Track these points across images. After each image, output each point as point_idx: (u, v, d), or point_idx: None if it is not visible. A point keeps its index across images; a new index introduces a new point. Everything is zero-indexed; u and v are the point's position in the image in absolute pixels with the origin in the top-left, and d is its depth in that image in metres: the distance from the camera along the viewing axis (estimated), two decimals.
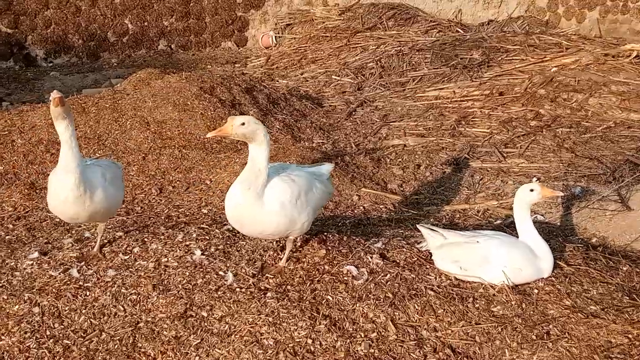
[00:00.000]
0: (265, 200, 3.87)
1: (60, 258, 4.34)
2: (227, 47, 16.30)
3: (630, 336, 3.53)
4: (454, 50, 11.44)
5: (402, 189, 6.88)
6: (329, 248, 4.27)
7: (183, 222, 4.95)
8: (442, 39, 12.27)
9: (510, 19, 15.40)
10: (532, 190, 4.19)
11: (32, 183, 7.06)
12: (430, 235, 4.05)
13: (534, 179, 6.85)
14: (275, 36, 15.50)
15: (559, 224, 5.70)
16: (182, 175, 7.17)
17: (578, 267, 4.21)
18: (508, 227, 5.78)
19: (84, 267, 4.20)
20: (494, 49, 11.19)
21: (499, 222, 5.92)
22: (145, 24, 15.67)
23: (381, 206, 6.34)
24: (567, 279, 4.04)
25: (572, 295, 3.87)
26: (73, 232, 5.37)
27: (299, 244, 4.34)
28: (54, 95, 4.09)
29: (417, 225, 4.24)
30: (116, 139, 7.67)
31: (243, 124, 3.82)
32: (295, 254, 4.25)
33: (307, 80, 12.08)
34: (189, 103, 8.12)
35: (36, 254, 4.40)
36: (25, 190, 6.88)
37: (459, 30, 13.67)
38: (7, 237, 5.92)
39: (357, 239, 4.47)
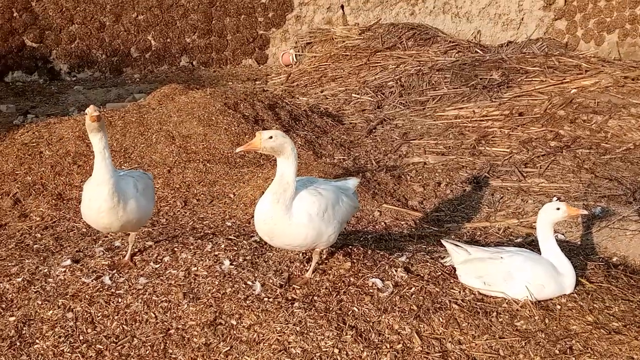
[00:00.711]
0: (294, 212, 3.98)
1: (93, 266, 4.46)
2: (247, 64, 16.52)
3: None
4: (473, 71, 11.54)
5: (422, 205, 6.96)
6: (354, 261, 4.36)
7: (211, 234, 5.05)
8: (462, 60, 12.38)
9: (529, 40, 15.52)
10: (558, 208, 4.27)
11: (60, 194, 7.22)
12: (454, 250, 4.13)
13: (554, 198, 6.88)
14: (296, 54, 15.70)
15: (579, 243, 5.75)
16: (206, 188, 7.30)
17: (600, 284, 4.27)
18: (529, 244, 5.85)
19: (116, 274, 4.32)
20: (513, 70, 11.28)
21: (519, 240, 5.98)
22: (168, 40, 15.92)
23: (402, 222, 6.42)
24: (589, 296, 4.10)
25: (595, 311, 3.93)
26: (102, 241, 5.50)
27: (324, 256, 4.43)
28: (92, 112, 4.21)
29: (442, 240, 4.32)
30: (142, 152, 7.82)
31: (271, 137, 3.93)
32: (321, 266, 4.34)
33: (327, 98, 12.23)
34: (213, 118, 8.27)
35: (69, 262, 4.53)
36: (53, 201, 7.04)
37: (478, 51, 13.79)
38: (35, 245, 6.07)
39: (382, 253, 4.56)
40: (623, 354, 3.59)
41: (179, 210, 6.84)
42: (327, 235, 4.08)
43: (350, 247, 4.61)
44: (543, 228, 4.25)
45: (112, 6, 15.32)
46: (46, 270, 4.49)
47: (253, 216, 6.60)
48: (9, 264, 4.85)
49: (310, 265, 4.29)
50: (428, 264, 4.38)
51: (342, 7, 16.76)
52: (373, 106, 11.18)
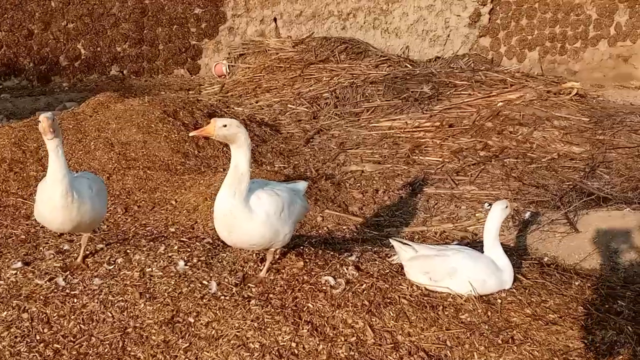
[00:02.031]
0: (253, 210, 4.09)
1: (44, 268, 4.45)
2: (179, 74, 16.48)
3: (585, 341, 3.87)
4: (405, 84, 11.92)
5: (362, 211, 7.18)
6: (307, 260, 4.51)
7: (163, 236, 5.11)
8: (394, 73, 12.76)
9: (456, 56, 16.10)
10: (506, 207, 4.54)
11: None
12: (402, 248, 4.34)
13: (486, 204, 7.25)
14: (229, 65, 15.77)
15: (512, 245, 6.07)
16: (147, 195, 7.31)
17: (535, 280, 4.57)
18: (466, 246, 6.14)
19: (69, 276, 4.32)
20: (443, 84, 11.72)
21: (455, 243, 6.26)
22: (98, 49, 15.72)
23: (344, 227, 6.61)
24: (526, 291, 4.38)
25: (532, 304, 4.21)
26: (45, 246, 5.45)
27: (277, 256, 4.56)
28: (44, 122, 4.15)
29: (390, 239, 4.53)
30: (80, 159, 7.76)
31: (225, 125, 3.99)
32: (274, 265, 4.47)
33: (263, 109, 12.36)
34: (152, 126, 8.28)
35: (19, 264, 4.50)
36: None
37: (408, 65, 14.21)
38: None
39: (332, 253, 4.73)
40: (560, 343, 3.87)
41: (119, 217, 6.82)
42: (283, 235, 4.21)
43: (301, 247, 4.76)
44: (493, 225, 4.50)
45: (41, 14, 15.03)
46: None
47: (196, 222, 6.70)
48: None
49: (264, 265, 4.41)
50: (377, 262, 4.58)
51: (275, 20, 16.96)
52: (309, 117, 11.38)
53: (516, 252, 5.76)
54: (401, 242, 4.39)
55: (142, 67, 16.13)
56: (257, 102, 12.93)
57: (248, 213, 4.09)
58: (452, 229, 6.64)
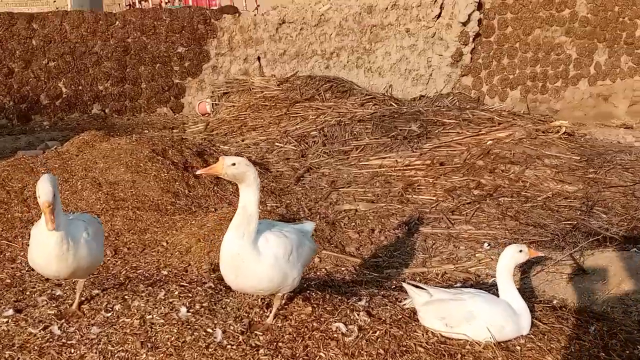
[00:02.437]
0: (261, 253, 3.91)
1: (38, 315, 4.19)
2: (162, 112, 16.31)
3: None
4: (393, 122, 11.87)
5: (360, 252, 7.00)
6: (314, 305, 4.30)
7: (161, 281, 4.87)
8: (381, 112, 12.72)
9: (440, 95, 16.16)
10: (520, 251, 4.39)
11: None
12: (416, 292, 4.16)
13: (485, 244, 7.12)
14: (213, 103, 15.65)
15: (517, 287, 5.91)
16: (137, 236, 7.07)
17: (552, 325, 4.40)
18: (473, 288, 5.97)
19: (65, 324, 4.07)
20: (431, 122, 11.68)
21: (458, 285, 6.10)
22: (80, 87, 15.53)
23: (342, 268, 6.42)
24: (545, 337, 4.21)
25: (553, 351, 4.04)
26: (36, 291, 5.19)
27: (284, 301, 4.36)
28: (45, 208, 3.90)
29: (403, 283, 4.33)
30: (67, 199, 7.51)
31: (234, 164, 3.83)
32: (281, 311, 4.26)
33: (249, 147, 12.21)
34: (141, 165, 8.07)
35: (10, 312, 4.23)
36: None
37: (393, 104, 14.21)
38: None
39: (340, 297, 4.53)
40: None
41: (109, 260, 6.56)
42: (292, 279, 4.02)
43: (308, 291, 4.55)
44: (505, 269, 4.35)
45: (21, 52, 14.85)
46: None
47: (189, 264, 6.47)
48: None
49: (270, 311, 4.20)
50: (388, 307, 4.39)
51: (259, 58, 16.92)
52: (297, 155, 11.25)
53: (523, 295, 5.59)
54: (415, 286, 4.20)
55: (124, 105, 15.94)
56: (243, 141, 12.79)
57: (256, 256, 3.91)
58: (453, 270, 6.48)
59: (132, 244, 6.95)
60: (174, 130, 14.03)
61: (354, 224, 7.84)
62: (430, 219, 8.05)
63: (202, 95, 16.42)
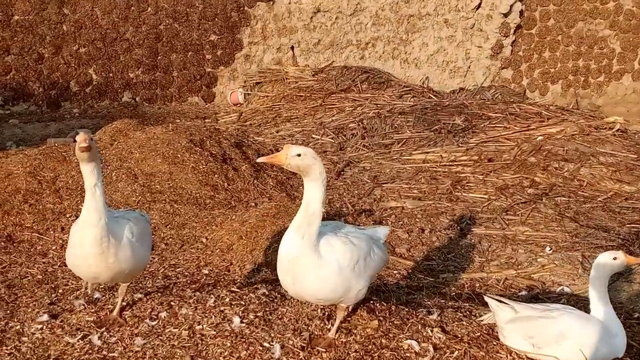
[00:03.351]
0: (323, 258, 3.49)
1: (75, 322, 3.80)
2: (194, 102, 15.94)
3: None
4: (435, 115, 11.36)
5: (411, 253, 6.54)
6: (381, 318, 3.86)
7: (209, 284, 4.45)
8: (422, 104, 12.22)
9: (482, 87, 15.59)
10: (615, 258, 3.89)
11: (9, 235, 6.46)
12: (500, 307, 3.69)
13: (547, 248, 6.62)
14: (245, 93, 15.24)
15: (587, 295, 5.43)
16: (175, 232, 6.69)
17: None
18: (536, 299, 5.50)
19: (105, 333, 3.67)
20: (476, 116, 11.16)
21: (523, 293, 5.63)
22: (111, 75, 15.19)
23: (395, 272, 5.97)
24: None
25: None
26: (70, 290, 4.81)
27: (347, 312, 3.92)
28: (81, 141, 3.60)
29: (485, 297, 3.85)
30: None
31: (299, 155, 3.48)
32: (343, 324, 3.82)
33: (285, 139, 11.77)
34: (179, 156, 7.67)
35: (45, 317, 3.85)
36: (2, 243, 6.27)
37: (432, 96, 13.68)
38: None
39: (407, 309, 4.08)
40: None
41: None
42: (357, 290, 3.58)
43: (371, 301, 4.11)
44: (598, 281, 3.85)
45: (52, 37, 14.51)
46: (18, 327, 3.79)
47: (231, 263, 6.06)
48: None
49: (332, 324, 3.76)
50: (464, 322, 3.93)
51: (292, 48, 16.48)
52: (335, 148, 10.80)
53: None
54: (499, 301, 3.73)
55: (155, 94, 15.59)
56: (277, 132, 12.36)
57: (317, 261, 3.49)
58: (515, 276, 6.00)
59: (170, 239, 6.57)
60: (206, 120, 13.64)
61: (401, 222, 7.38)
62: (482, 219, 7.56)
63: (234, 84, 16.01)
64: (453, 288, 5.63)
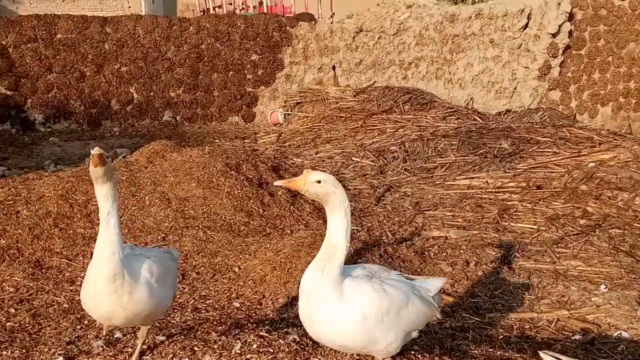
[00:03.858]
0: (345, 299, 3.18)
1: None
2: (234, 121, 15.81)
3: None
4: (480, 139, 10.95)
5: (455, 289, 6.15)
6: None
7: (236, 325, 4.14)
8: (467, 126, 11.82)
9: (529, 110, 15.09)
10: None
11: (37, 261, 6.28)
12: None
13: (602, 286, 6.16)
14: (285, 113, 15.04)
15: None
16: (207, 260, 6.43)
17: None
18: (591, 345, 5.07)
19: None
20: (523, 140, 10.72)
21: (577, 337, 5.19)
22: (152, 94, 15.16)
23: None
24: None
25: None
26: (94, 328, 4.57)
27: None
28: (94, 152, 3.33)
29: (540, 353, 3.46)
30: (133, 215, 6.93)
31: (319, 182, 3.25)
32: None
33: (324, 161, 11.49)
34: (214, 180, 7.44)
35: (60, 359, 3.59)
36: (30, 269, 6.09)
37: (477, 118, 13.27)
38: (8, 323, 5.14)
39: None
40: None
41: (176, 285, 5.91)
42: (385, 344, 3.23)
43: (412, 352, 3.75)
44: None
45: (94, 56, 14.56)
46: None
47: (264, 296, 5.76)
48: None
49: None
50: None
51: (334, 67, 16.26)
52: (375, 171, 10.46)
53: None
54: (556, 358, 3.34)
55: (195, 113, 15.51)
56: (317, 154, 12.09)
57: (336, 300, 3.18)
58: (567, 317, 5.55)
59: (202, 268, 6.32)
60: (246, 141, 13.45)
61: (444, 254, 6.99)
62: (531, 252, 7.12)
63: (275, 104, 15.85)
64: (501, 330, 5.22)
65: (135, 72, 14.95)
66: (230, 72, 15.56)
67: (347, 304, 3.19)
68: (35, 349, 3.89)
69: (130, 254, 3.51)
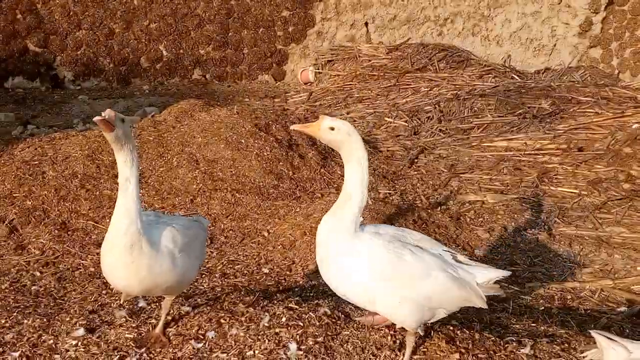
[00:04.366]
0: (354, 249, 3.13)
1: (113, 339, 3.38)
2: (263, 80, 15.52)
3: None
4: (520, 98, 10.53)
5: (492, 256, 5.90)
6: (462, 351, 3.28)
7: (263, 296, 3.95)
8: (504, 85, 11.40)
9: (569, 68, 14.53)
10: None
11: (64, 222, 6.16)
12: (610, 347, 3.06)
13: None
14: (316, 72, 14.69)
15: None
16: (236, 223, 6.25)
17: None
18: (638, 317, 4.80)
19: (145, 355, 3.24)
20: (564, 100, 10.28)
21: (622, 309, 4.93)
22: (181, 51, 14.91)
23: None
24: None
25: None
26: (118, 295, 4.43)
27: (420, 341, 3.36)
28: (96, 119, 3.07)
29: (592, 333, 3.21)
30: (161, 177, 6.77)
31: (332, 129, 3.19)
32: (416, 356, 3.26)
33: (355, 121, 11.20)
34: (242, 141, 7.22)
35: (81, 331, 3.45)
36: (56, 231, 5.98)
37: (515, 76, 12.80)
38: (33, 287, 5.04)
39: (494, 339, 3.48)
40: None
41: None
42: (386, 308, 3.14)
43: (449, 326, 3.53)
44: None
45: (123, 12, 14.32)
46: (52, 341, 3.40)
47: (293, 262, 5.58)
48: (3, 323, 3.79)
49: (404, 353, 3.21)
50: (562, 359, 3.31)
51: (367, 24, 15.81)
52: (408, 132, 10.14)
53: None
54: (609, 338, 3.09)
55: (225, 71, 15.24)
56: (348, 114, 11.79)
57: (345, 247, 3.14)
58: (611, 288, 5.29)
59: (230, 231, 6.15)
60: (276, 100, 13.18)
61: (481, 219, 6.72)
62: (573, 217, 6.82)
63: (305, 62, 15.50)
64: (542, 301, 4.97)
65: (164, 29, 14.69)
66: (260, 29, 15.22)
67: (353, 253, 3.14)
68: (57, 317, 3.75)
69: (154, 222, 3.32)
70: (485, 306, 3.19)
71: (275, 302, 3.73)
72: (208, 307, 3.69)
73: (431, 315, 3.18)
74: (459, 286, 3.15)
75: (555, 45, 16.37)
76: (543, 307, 4.84)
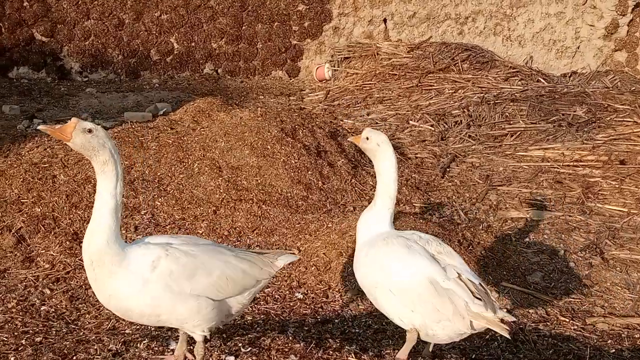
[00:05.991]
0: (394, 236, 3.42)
1: None
2: (277, 76, 14.96)
3: None
4: (553, 104, 10.01)
5: (546, 284, 5.39)
6: None
7: (303, 320, 3.42)
8: (533, 89, 10.87)
9: (597, 72, 14.00)
10: None
11: (75, 233, 5.65)
12: None
13: None
14: (332, 69, 14.14)
15: None
16: (263, 238, 5.74)
17: None
18: None
19: None
20: (600, 107, 9.77)
21: None
22: (192, 44, 14.35)
23: (531, 311, 4.85)
24: None
25: None
26: (144, 332, 3.91)
27: None
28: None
29: None
30: (181, 184, 6.24)
31: (367, 138, 3.65)
32: None
33: (377, 123, 10.68)
34: (269, 147, 6.69)
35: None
36: (67, 242, 5.47)
37: (541, 79, 12.27)
38: (42, 307, 4.58)
39: None
40: None
41: None
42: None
43: None
44: None
45: (133, 2, 13.75)
46: None
47: (329, 287, 5.07)
48: (5, 350, 3.31)
49: None
50: None
51: (385, 20, 15.25)
52: (435, 137, 9.62)
53: None
54: None
55: (238, 66, 14.68)
56: (368, 115, 11.27)
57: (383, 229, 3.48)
58: None
59: (257, 247, 5.63)
60: (291, 98, 12.65)
61: (527, 239, 6.21)
62: (624, 239, 6.31)
63: (321, 59, 14.94)
64: (610, 342, 4.47)
65: (176, 21, 14.12)
66: (275, 23, 14.66)
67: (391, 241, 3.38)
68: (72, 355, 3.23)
69: (141, 240, 3.15)
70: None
71: (331, 351, 3.20)
72: (254, 358, 3.16)
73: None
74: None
75: (578, 48, 15.85)
76: (613, 350, 4.33)
